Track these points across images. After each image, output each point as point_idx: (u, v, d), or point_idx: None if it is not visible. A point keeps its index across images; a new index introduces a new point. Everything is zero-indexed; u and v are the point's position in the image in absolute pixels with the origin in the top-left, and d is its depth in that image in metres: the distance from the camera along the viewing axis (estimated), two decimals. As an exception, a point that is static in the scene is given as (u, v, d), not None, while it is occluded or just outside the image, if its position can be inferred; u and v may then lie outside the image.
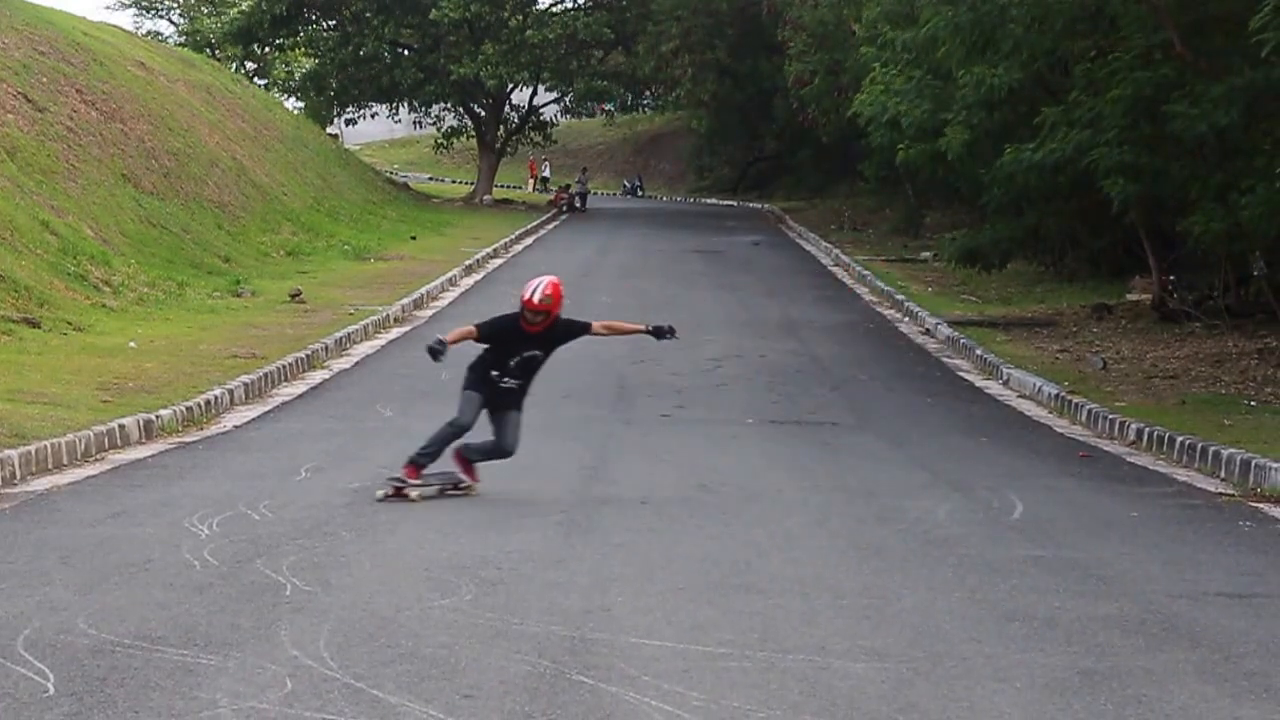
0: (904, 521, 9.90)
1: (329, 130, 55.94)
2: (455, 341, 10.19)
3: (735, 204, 57.69)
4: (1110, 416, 14.65)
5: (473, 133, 54.79)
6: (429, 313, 23.26)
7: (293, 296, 22.81)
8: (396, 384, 16.32)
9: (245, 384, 15.12)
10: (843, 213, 45.84)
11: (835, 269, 33.15)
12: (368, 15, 49.45)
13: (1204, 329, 20.45)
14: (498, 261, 32.44)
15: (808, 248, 38.68)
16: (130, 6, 70.87)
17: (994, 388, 17.73)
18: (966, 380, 18.34)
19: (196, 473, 11.11)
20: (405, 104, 53.39)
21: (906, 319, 24.46)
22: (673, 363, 18.77)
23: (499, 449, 10.52)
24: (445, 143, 54.63)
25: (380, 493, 10.06)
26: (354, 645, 6.57)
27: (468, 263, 30.27)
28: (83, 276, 20.23)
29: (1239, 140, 18.15)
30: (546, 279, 10.26)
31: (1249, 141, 18.18)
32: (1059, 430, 14.81)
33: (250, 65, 66.36)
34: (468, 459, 10.40)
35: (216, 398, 14.23)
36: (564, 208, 50.25)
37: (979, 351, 19.78)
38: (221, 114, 35.78)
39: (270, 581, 7.71)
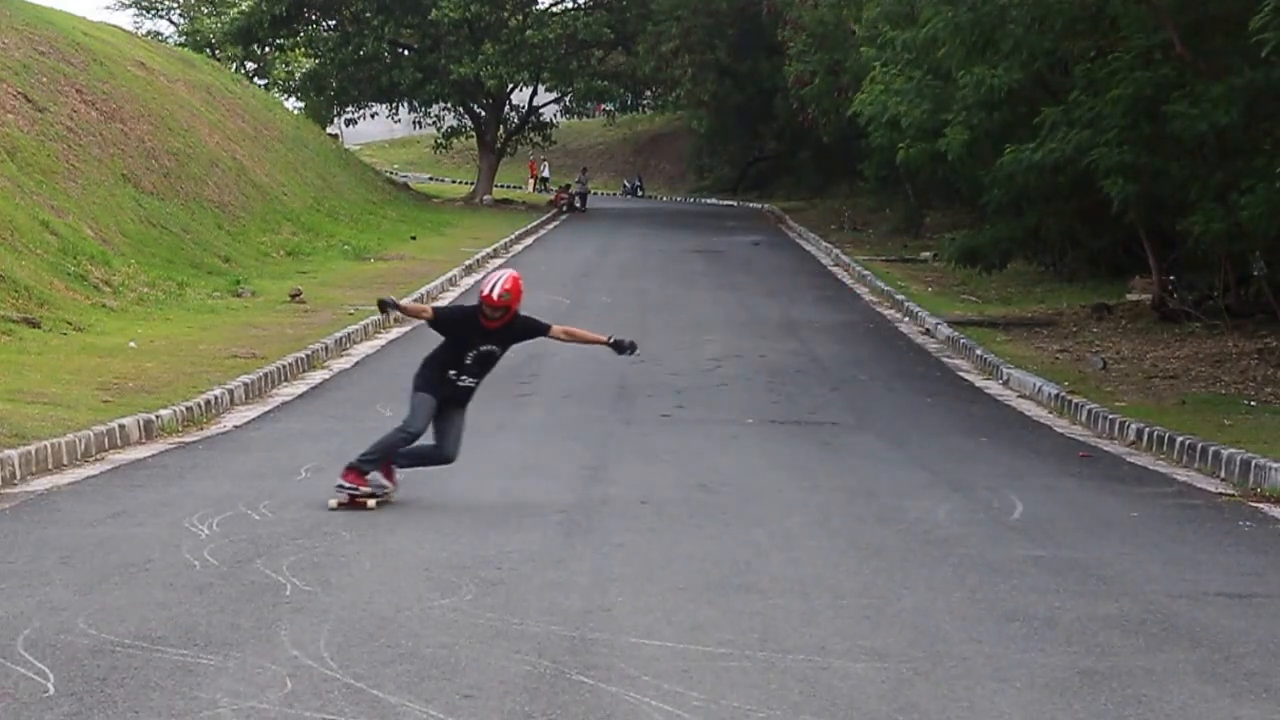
0: (904, 521, 9.90)
1: (329, 130, 55.94)
2: (408, 312, 10.03)
3: (735, 204, 57.69)
4: (1110, 416, 14.65)
5: (472, 133, 54.79)
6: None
7: (293, 296, 22.81)
8: (396, 384, 16.28)
9: (245, 384, 15.12)
10: (843, 213, 45.84)
11: (835, 269, 33.15)
12: (368, 15, 49.45)
13: (1204, 329, 20.45)
14: (498, 262, 32.43)
15: (808, 248, 38.68)
16: (130, 6, 70.93)
17: (994, 388, 17.73)
18: (966, 380, 18.34)
19: (196, 473, 11.11)
20: (405, 104, 53.39)
21: (906, 319, 24.47)
22: (673, 363, 18.77)
23: (440, 455, 10.11)
24: (445, 143, 54.64)
25: (333, 501, 9.69)
26: (354, 645, 6.57)
27: (468, 263, 30.27)
28: (83, 276, 20.23)
29: (1239, 140, 18.15)
30: (506, 274, 10.09)
31: (1249, 141, 18.18)
32: (1059, 430, 14.81)
33: (250, 65, 66.36)
34: (393, 463, 9.97)
35: (216, 398, 14.23)
36: (564, 208, 50.25)
37: (979, 351, 19.78)
38: (221, 114, 35.78)
39: (270, 581, 7.71)
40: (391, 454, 9.89)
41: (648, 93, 53.90)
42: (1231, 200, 17.78)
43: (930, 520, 9.98)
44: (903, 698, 6.08)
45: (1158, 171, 19.06)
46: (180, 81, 34.96)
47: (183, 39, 66.01)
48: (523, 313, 10.17)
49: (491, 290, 9.89)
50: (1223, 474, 12.00)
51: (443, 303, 24.90)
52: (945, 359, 20.15)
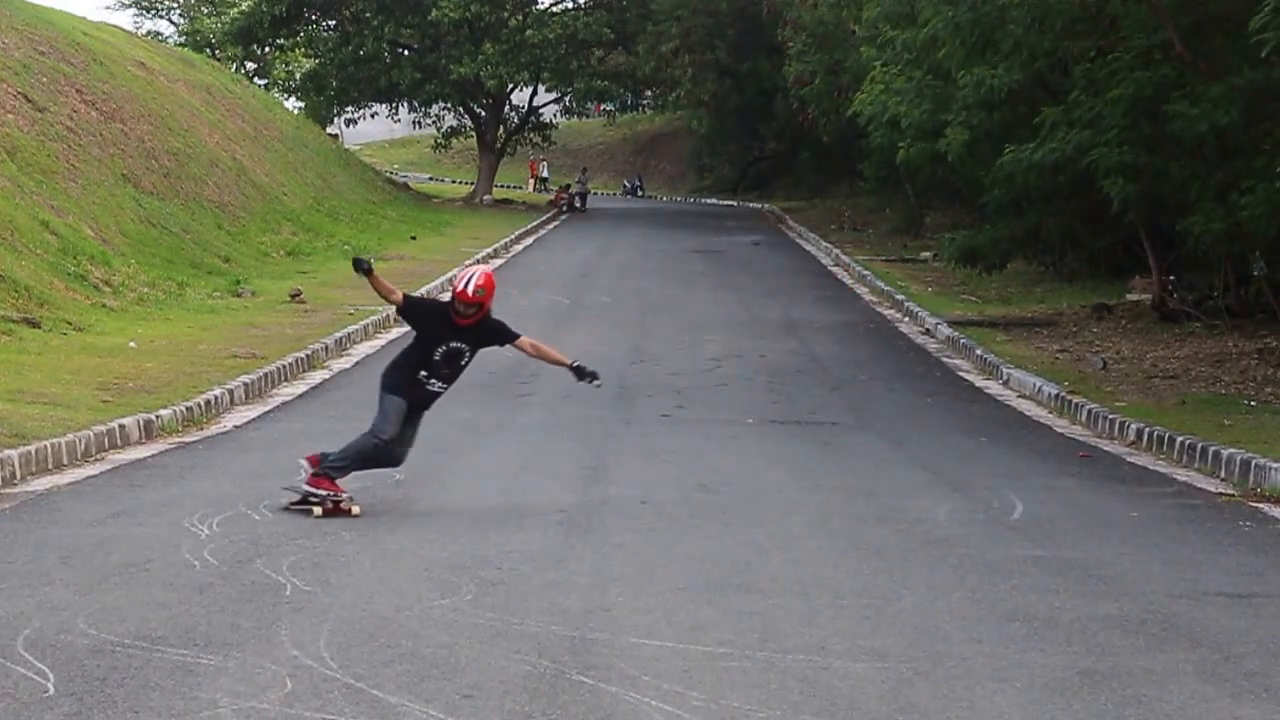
0: (904, 521, 9.90)
1: (329, 130, 55.93)
2: (379, 287, 9.61)
3: (735, 204, 57.69)
4: (1110, 416, 14.65)
5: (472, 133, 54.79)
6: (429, 313, 23.25)
7: (293, 296, 22.81)
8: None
9: (245, 384, 15.12)
10: (843, 213, 45.83)
11: (835, 269, 33.15)
12: (368, 15, 49.46)
13: (1204, 329, 20.45)
14: (498, 262, 32.43)
15: (808, 248, 38.68)
16: (130, 6, 70.91)
17: (994, 388, 17.73)
18: (966, 380, 18.34)
19: (196, 473, 11.11)
20: (405, 104, 53.39)
21: (906, 319, 24.47)
22: (673, 363, 18.78)
23: (392, 458, 9.82)
24: (444, 142, 54.63)
25: (317, 511, 9.42)
26: (354, 645, 6.57)
27: (468, 263, 30.23)
28: (83, 276, 20.22)
29: (1239, 140, 18.15)
30: (479, 270, 9.82)
31: (1249, 141, 18.18)
32: (1059, 430, 14.81)
33: (250, 65, 66.34)
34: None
35: (216, 398, 14.23)
36: (564, 208, 50.24)
37: (979, 351, 19.78)
38: (221, 114, 35.78)
39: (270, 581, 7.72)
40: (364, 460, 9.65)
41: (648, 93, 53.88)
42: (1231, 200, 17.78)
43: (930, 520, 9.98)
44: (903, 698, 6.08)
45: (1158, 171, 19.07)
46: (180, 81, 34.96)
47: (183, 39, 65.99)
48: (496, 315, 9.93)
49: (466, 286, 9.62)
50: (1223, 474, 12.00)
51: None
52: (945, 359, 20.15)
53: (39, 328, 16.92)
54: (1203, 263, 22.30)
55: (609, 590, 7.73)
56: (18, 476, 10.47)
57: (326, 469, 9.55)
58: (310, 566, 8.08)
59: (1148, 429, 13.75)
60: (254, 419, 14.04)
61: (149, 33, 63.70)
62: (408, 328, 10.39)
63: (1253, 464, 11.68)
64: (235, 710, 5.68)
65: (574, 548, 8.80)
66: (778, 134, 56.10)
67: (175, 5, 71.40)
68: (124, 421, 12.32)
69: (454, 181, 62.44)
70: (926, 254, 33.89)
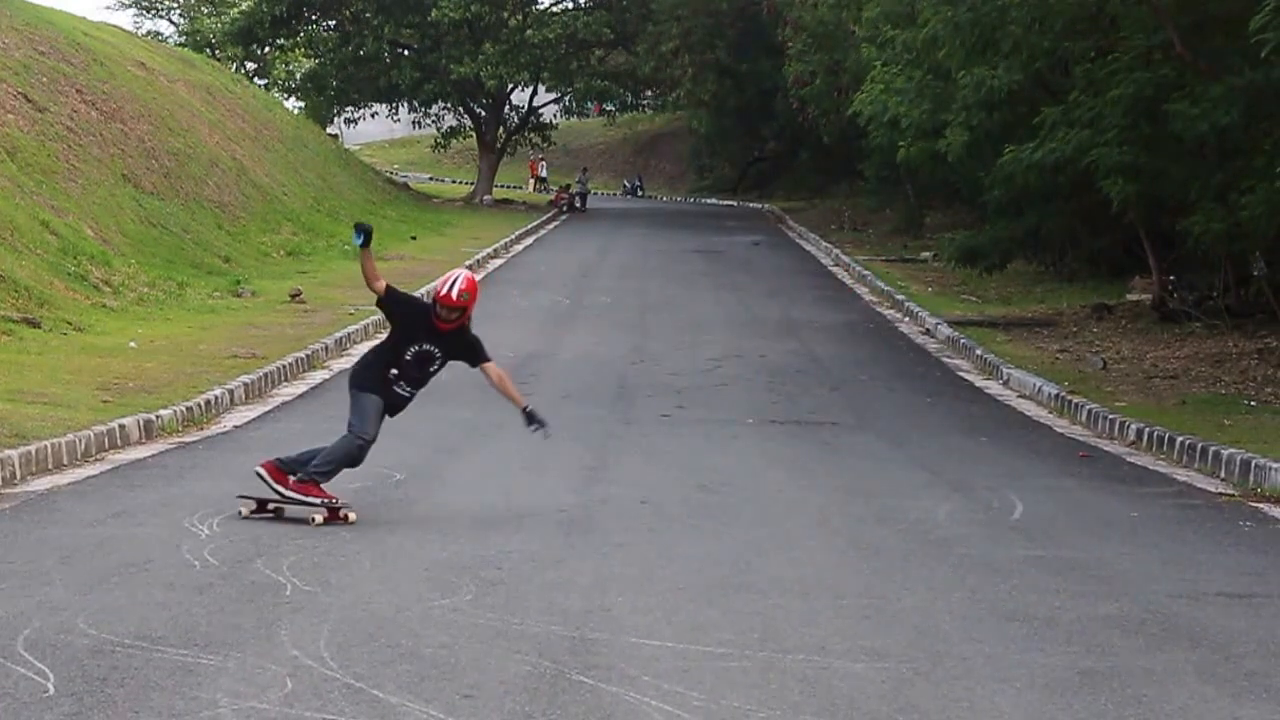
0: (904, 521, 9.90)
1: (329, 130, 55.92)
2: (368, 265, 9.38)
3: (735, 204, 57.68)
4: (1110, 416, 14.65)
5: (472, 133, 54.78)
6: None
7: (293, 296, 22.80)
8: (396, 384, 16.31)
9: (245, 384, 15.11)
10: (843, 213, 45.82)
11: (835, 269, 33.15)
12: (368, 15, 49.45)
13: (1204, 329, 20.45)
14: (498, 262, 32.44)
15: (808, 248, 38.68)
16: (130, 6, 70.88)
17: (994, 388, 17.73)
18: (966, 380, 18.34)
19: (196, 473, 11.11)
20: (405, 104, 53.37)
21: (906, 319, 24.46)
22: (673, 363, 18.78)
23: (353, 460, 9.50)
24: (443, 142, 54.61)
25: (318, 519, 9.16)
26: (354, 645, 6.57)
27: (468, 263, 30.22)
28: (83, 276, 20.22)
29: (1239, 140, 18.16)
30: (461, 274, 9.58)
31: (1249, 141, 18.18)
32: (1059, 430, 14.81)
33: (250, 65, 66.32)
34: (291, 470, 9.38)
35: (216, 398, 14.23)
36: (564, 208, 50.22)
37: (979, 351, 19.78)
38: (221, 114, 35.78)
39: (270, 581, 7.72)
40: (348, 462, 9.39)
41: (648, 93, 53.87)
42: (1231, 200, 17.78)
43: (930, 520, 9.99)
44: (903, 698, 6.08)
45: (1158, 171, 19.07)
46: (180, 81, 34.96)
47: (183, 39, 65.97)
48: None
49: (450, 290, 9.37)
50: (1223, 474, 12.00)
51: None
52: (945, 359, 20.15)
53: (39, 328, 16.91)
54: (1203, 263, 22.30)
55: (609, 590, 7.73)
56: (18, 476, 10.46)
57: (312, 475, 9.28)
58: (310, 566, 8.08)
59: (1148, 429, 13.76)
60: (254, 419, 14.04)
61: (149, 33, 63.71)
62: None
63: (1253, 464, 11.68)
64: (235, 710, 5.68)
65: (574, 548, 8.81)
66: (778, 134, 56.09)
67: (175, 5, 71.39)
68: (124, 421, 12.32)
69: (454, 181, 62.41)
70: (926, 254, 33.89)
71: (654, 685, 6.10)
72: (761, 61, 50.21)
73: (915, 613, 7.45)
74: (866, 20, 28.94)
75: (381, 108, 54.90)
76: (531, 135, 54.92)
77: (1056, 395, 16.16)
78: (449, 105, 53.50)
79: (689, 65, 49.57)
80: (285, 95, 59.75)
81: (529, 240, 39.07)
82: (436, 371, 9.65)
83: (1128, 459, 13.09)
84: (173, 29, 70.45)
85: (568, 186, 53.02)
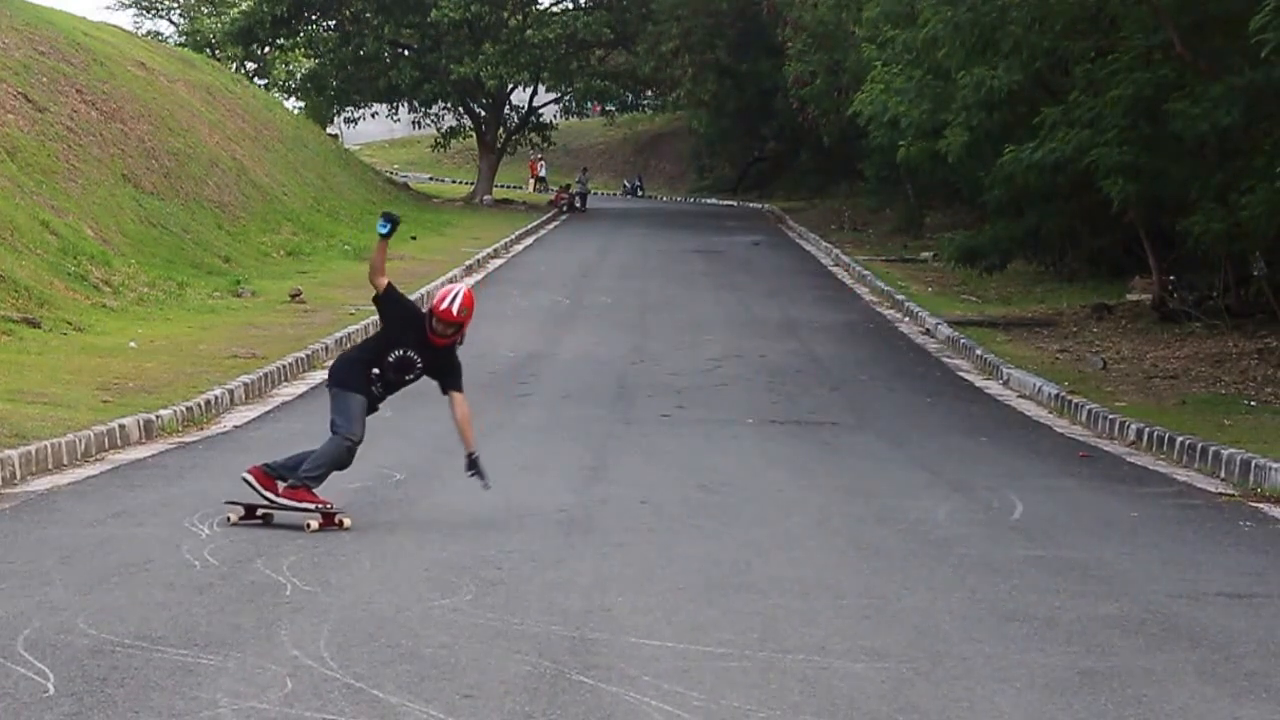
0: (904, 521, 9.90)
1: (329, 130, 55.90)
2: (377, 258, 9.22)
3: (735, 204, 57.67)
4: (1110, 416, 14.65)
5: (472, 133, 54.77)
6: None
7: (293, 296, 22.80)
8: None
9: (245, 384, 15.12)
10: (843, 213, 45.81)
11: (835, 269, 33.15)
12: (368, 15, 49.45)
13: (1204, 329, 20.44)
14: (498, 262, 32.44)
15: (808, 248, 38.68)
16: (130, 6, 70.86)
17: (994, 388, 17.73)
18: (966, 380, 18.34)
19: (196, 473, 11.11)
20: (405, 104, 53.36)
21: (906, 319, 24.46)
22: (673, 363, 18.78)
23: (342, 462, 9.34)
24: (443, 142, 54.60)
25: (313, 524, 8.99)
26: (354, 645, 6.57)
27: (468, 263, 30.27)
28: (83, 276, 20.22)
29: (1239, 140, 18.16)
30: (463, 289, 9.31)
31: (1249, 141, 18.19)
32: (1059, 430, 14.81)
33: (250, 65, 66.32)
34: (280, 477, 9.18)
35: (216, 398, 14.23)
36: (564, 208, 50.21)
37: (979, 351, 19.78)
38: (221, 114, 35.77)
39: (270, 581, 7.72)
40: (337, 465, 9.24)
41: (648, 93, 53.85)
42: (1231, 200, 17.78)
43: (930, 520, 9.99)
44: (903, 698, 6.08)
45: (1158, 171, 19.07)
46: (180, 81, 34.96)
47: (183, 39, 65.96)
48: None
49: (451, 304, 9.14)
50: (1223, 474, 12.00)
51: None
52: (945, 359, 20.15)
53: (39, 328, 16.91)
54: (1203, 263, 22.29)
55: (609, 590, 7.73)
56: (18, 476, 10.46)
57: (303, 480, 9.09)
58: (310, 566, 8.08)
59: (1148, 429, 13.76)
60: (254, 419, 14.04)
61: (149, 33, 63.70)
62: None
63: (1253, 464, 11.68)
64: (235, 710, 5.68)
65: (574, 548, 8.81)
66: (778, 134, 56.06)
67: (175, 5, 71.38)
68: (124, 421, 12.32)
69: (454, 181, 62.39)
70: (926, 254, 33.88)
71: (654, 685, 6.10)
72: (761, 61, 50.18)
73: (915, 613, 7.45)
74: (866, 20, 28.93)
75: (381, 108, 54.88)
76: (531, 135, 54.91)
77: (1056, 395, 16.16)
78: (449, 105, 53.49)
79: (689, 65, 49.55)
80: (285, 95, 59.73)
81: (529, 240, 39.07)
82: (412, 381, 9.43)
83: (1128, 459, 13.09)
84: (173, 29, 70.49)
85: (568, 186, 53.00)
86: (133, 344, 17.04)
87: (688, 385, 17.05)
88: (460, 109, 53.79)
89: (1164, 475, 12.25)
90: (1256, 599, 8.03)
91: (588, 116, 59.71)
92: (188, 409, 13.47)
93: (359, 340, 19.72)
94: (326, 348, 18.32)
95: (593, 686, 6.09)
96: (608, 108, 55.37)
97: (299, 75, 60.16)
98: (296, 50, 57.01)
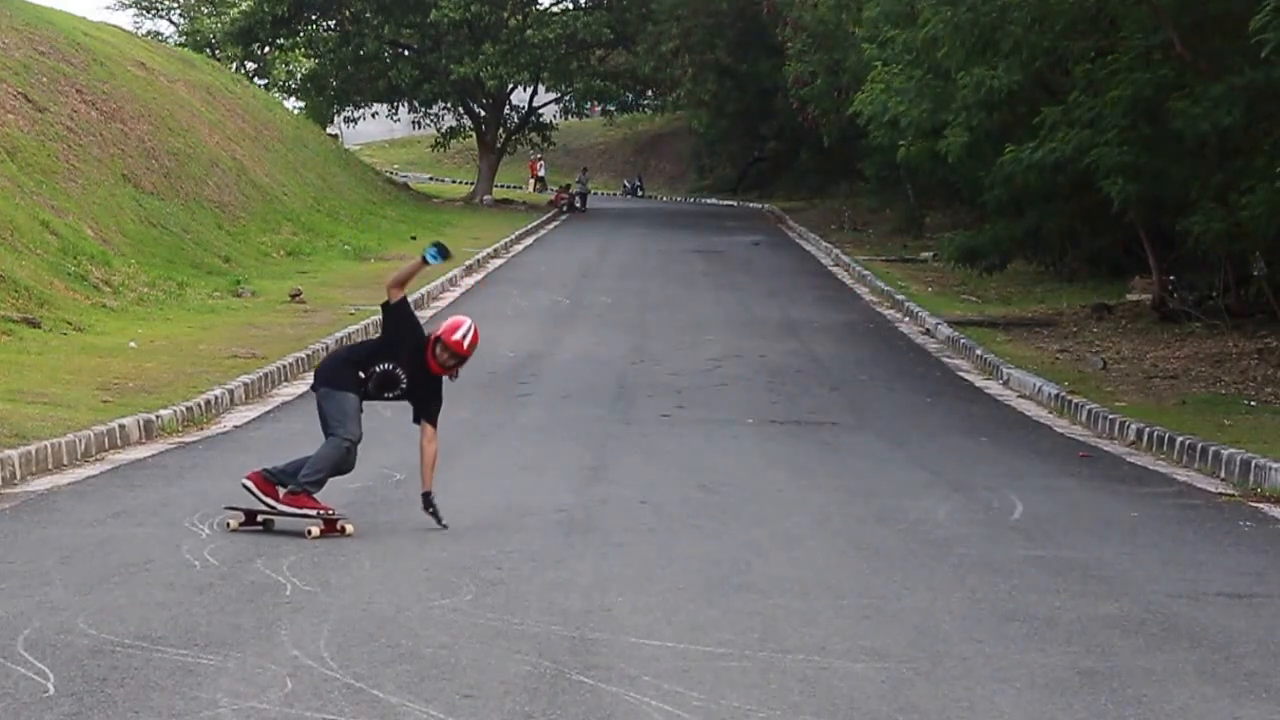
0: (904, 521, 9.90)
1: (329, 130, 55.91)
2: (412, 272, 9.20)
3: (735, 204, 57.67)
4: (1110, 416, 14.65)
5: (472, 133, 54.77)
6: (429, 313, 23.25)
7: (293, 296, 22.80)
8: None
9: (245, 384, 15.12)
10: (843, 213, 45.81)
11: (835, 269, 33.15)
12: (368, 15, 49.46)
13: (1204, 329, 20.44)
14: (498, 262, 32.44)
15: (808, 248, 38.68)
16: (130, 6, 70.88)
17: (994, 388, 17.73)
18: (966, 380, 18.34)
19: (196, 473, 11.11)
20: (405, 104, 53.37)
21: (906, 319, 24.46)
22: (673, 363, 18.78)
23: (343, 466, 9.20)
24: (443, 142, 54.61)
25: (314, 531, 8.83)
26: (354, 645, 6.57)
27: (468, 263, 30.26)
28: (83, 276, 20.22)
29: (1239, 140, 18.15)
30: (470, 324, 9.15)
31: (1249, 141, 18.18)
32: (1059, 430, 14.81)
33: (250, 65, 66.32)
34: (280, 483, 9.03)
35: (216, 398, 14.23)
36: (564, 208, 50.21)
37: (979, 351, 19.78)
38: (221, 114, 35.78)
39: (270, 581, 7.72)
40: (337, 469, 9.09)
41: (648, 93, 53.85)
42: (1231, 200, 17.79)
43: (930, 520, 9.99)
44: (903, 698, 6.08)
45: (1158, 171, 19.07)
46: (180, 81, 34.96)
47: (183, 39, 65.97)
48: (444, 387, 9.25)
49: (463, 337, 9.03)
50: (1223, 474, 12.00)
51: (443, 303, 24.90)
52: (945, 359, 20.15)
53: (39, 328, 16.92)
54: (1203, 263, 22.29)
55: (609, 590, 7.73)
56: (18, 476, 10.47)
57: (303, 485, 8.94)
58: (310, 566, 8.08)
59: (1148, 429, 13.76)
60: (254, 419, 14.04)
61: (149, 33, 63.71)
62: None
63: (1253, 464, 11.68)
64: (235, 710, 5.68)
65: (574, 548, 8.81)
66: (778, 134, 56.04)
67: (175, 5, 71.39)
68: (124, 421, 12.32)
69: (454, 181, 62.40)
70: (926, 254, 33.88)
71: (654, 685, 6.10)
72: (761, 61, 50.17)
73: (915, 613, 7.45)
74: (866, 20, 28.93)
75: (381, 108, 54.89)
76: (531, 135, 54.91)
77: (1056, 395, 16.16)
78: (449, 105, 53.50)
79: (689, 65, 49.54)
80: (285, 95, 59.72)
81: (529, 240, 39.07)
82: (389, 399, 9.25)
83: (1128, 459, 13.09)
84: (173, 29, 70.51)
85: (568, 186, 52.99)
86: (133, 344, 17.04)
87: (688, 385, 17.05)
88: (460, 109, 53.79)
89: (1164, 475, 12.25)
90: (1256, 599, 8.03)
91: (588, 116, 59.69)
92: (188, 409, 13.47)
93: (357, 339, 19.74)
94: (326, 348, 18.30)
95: (593, 686, 6.09)
96: (607, 108, 55.35)
97: (299, 75, 60.14)
98: (296, 50, 57.01)
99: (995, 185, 22.48)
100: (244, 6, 53.00)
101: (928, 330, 22.81)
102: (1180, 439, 13.00)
